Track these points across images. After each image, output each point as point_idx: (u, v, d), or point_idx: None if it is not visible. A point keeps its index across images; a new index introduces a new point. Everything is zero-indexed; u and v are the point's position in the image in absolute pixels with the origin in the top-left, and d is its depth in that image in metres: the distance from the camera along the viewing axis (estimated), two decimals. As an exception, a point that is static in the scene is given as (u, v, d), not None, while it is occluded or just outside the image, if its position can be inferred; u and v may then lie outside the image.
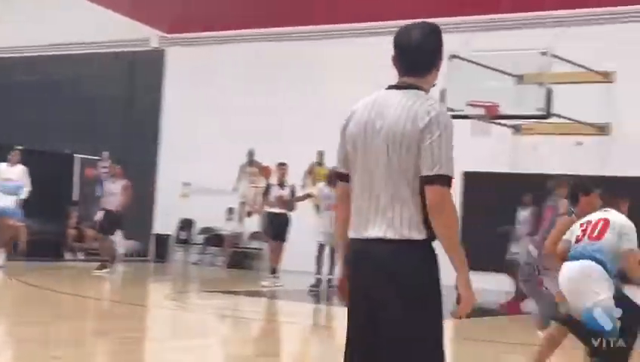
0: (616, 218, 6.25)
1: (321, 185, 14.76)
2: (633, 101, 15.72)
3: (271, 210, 14.63)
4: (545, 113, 13.72)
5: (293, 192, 14.72)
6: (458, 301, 3.42)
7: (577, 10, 16.74)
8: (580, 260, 6.11)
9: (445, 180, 3.36)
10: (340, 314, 12.44)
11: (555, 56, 13.70)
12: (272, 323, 10.65)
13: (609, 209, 6.39)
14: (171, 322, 8.77)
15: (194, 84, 20.55)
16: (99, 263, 15.45)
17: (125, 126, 21.56)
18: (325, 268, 14.34)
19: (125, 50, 21.73)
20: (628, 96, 15.56)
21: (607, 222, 6.18)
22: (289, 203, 14.48)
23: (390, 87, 3.53)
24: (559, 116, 14.36)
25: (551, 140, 15.96)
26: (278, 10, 19.53)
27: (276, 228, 14.56)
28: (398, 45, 3.54)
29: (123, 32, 21.28)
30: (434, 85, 3.58)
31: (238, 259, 19.26)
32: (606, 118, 15.61)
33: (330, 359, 8.39)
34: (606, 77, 15.56)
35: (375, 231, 3.41)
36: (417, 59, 3.52)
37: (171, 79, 21.14)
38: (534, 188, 13.49)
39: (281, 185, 14.68)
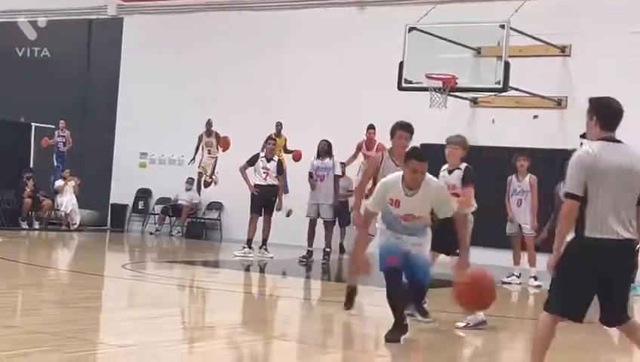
0: None
1: (313, 158, 14.65)
2: (589, 75, 15.88)
3: (259, 183, 14.85)
4: (502, 86, 13.84)
5: (280, 166, 15.00)
6: None
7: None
8: None
9: None
10: (293, 284, 12.51)
11: (513, 30, 13.79)
12: (230, 293, 10.68)
13: None
14: (127, 291, 8.78)
15: (152, 52, 20.33)
16: None
17: (82, 95, 21.31)
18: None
19: (83, 17, 21.43)
20: (583, 70, 15.68)
21: None
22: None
23: (609, 140, 5.20)
24: (517, 89, 14.47)
25: (509, 113, 16.11)
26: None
27: (266, 200, 14.88)
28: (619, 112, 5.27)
29: (80, -1, 21.00)
30: None
31: (195, 230, 19.24)
32: (563, 91, 15.78)
33: (277, 324, 8.46)
34: (563, 51, 15.72)
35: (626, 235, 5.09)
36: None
37: (129, 48, 20.89)
38: (492, 162, 13.65)
39: (269, 159, 14.84)
